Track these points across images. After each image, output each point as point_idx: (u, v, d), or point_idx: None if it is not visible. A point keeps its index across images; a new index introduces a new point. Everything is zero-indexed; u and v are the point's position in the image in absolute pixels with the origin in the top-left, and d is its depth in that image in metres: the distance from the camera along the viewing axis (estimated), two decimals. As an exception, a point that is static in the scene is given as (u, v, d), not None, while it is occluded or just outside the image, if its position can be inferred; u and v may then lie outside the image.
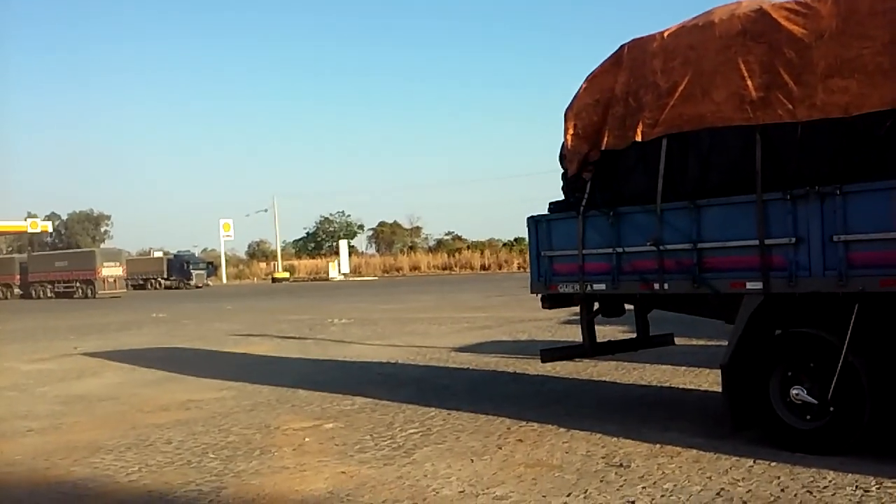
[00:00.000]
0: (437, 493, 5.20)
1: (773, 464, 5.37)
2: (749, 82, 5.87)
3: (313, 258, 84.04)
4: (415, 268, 72.70)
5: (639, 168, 6.83)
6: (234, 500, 5.29)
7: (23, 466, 6.51)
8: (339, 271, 66.84)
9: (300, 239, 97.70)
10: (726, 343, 6.14)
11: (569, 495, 4.99)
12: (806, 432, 5.63)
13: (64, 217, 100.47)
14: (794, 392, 5.68)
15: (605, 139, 6.91)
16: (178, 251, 68.34)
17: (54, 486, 5.89)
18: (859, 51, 5.36)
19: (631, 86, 6.74)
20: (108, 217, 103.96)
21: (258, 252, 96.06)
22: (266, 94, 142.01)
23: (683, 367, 9.55)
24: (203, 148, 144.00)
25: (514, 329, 15.79)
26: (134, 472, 6.15)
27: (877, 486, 4.81)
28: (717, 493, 4.86)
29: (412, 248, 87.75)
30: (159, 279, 62.46)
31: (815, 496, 4.72)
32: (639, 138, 6.60)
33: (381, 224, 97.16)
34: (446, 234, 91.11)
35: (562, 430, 6.72)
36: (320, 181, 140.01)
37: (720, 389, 6.13)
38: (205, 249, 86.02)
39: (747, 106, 5.88)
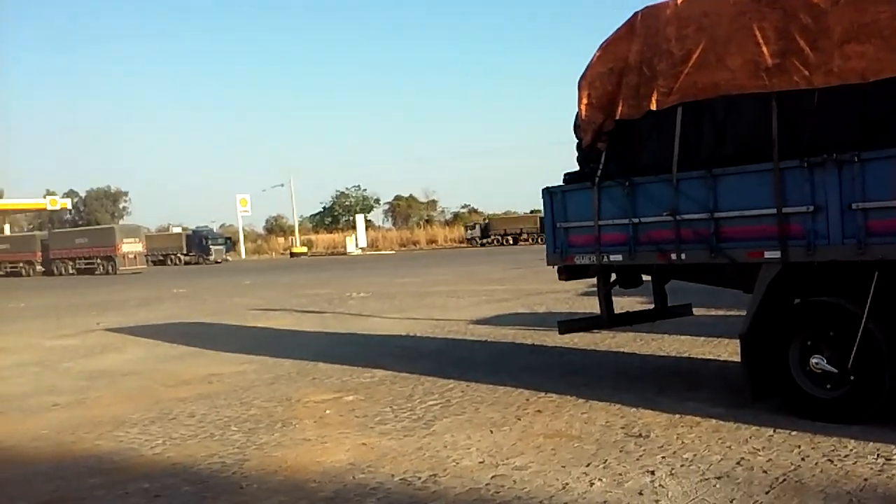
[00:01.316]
0: (458, 463, 5.26)
1: (794, 433, 5.37)
2: (764, 49, 5.78)
3: (330, 233, 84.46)
4: (432, 241, 72.83)
5: (654, 137, 6.78)
6: (256, 472, 5.37)
7: (49, 441, 6.64)
8: (357, 245, 67.11)
9: (317, 213, 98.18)
10: (745, 313, 6.13)
11: (588, 465, 5.03)
12: (826, 401, 5.62)
13: (82, 194, 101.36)
14: (813, 361, 5.67)
15: (620, 108, 6.85)
16: (197, 227, 68.82)
17: (80, 459, 6.00)
18: (876, 15, 5.26)
19: (645, 54, 6.66)
20: (126, 193, 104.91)
21: (276, 227, 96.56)
22: (282, 69, 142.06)
23: (702, 338, 9.54)
24: (220, 123, 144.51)
25: (531, 301, 15.81)
26: (158, 445, 6.26)
27: (897, 454, 4.81)
28: (737, 463, 4.88)
29: (428, 221, 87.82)
30: (178, 255, 63.04)
31: (835, 465, 4.72)
32: (653, 107, 6.54)
33: (398, 198, 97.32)
34: (462, 207, 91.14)
35: (580, 400, 6.75)
36: (336, 155, 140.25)
37: (739, 359, 6.13)
38: (223, 225, 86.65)
39: (763, 73, 5.80)
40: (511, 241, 64.33)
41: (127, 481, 5.33)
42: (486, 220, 71.63)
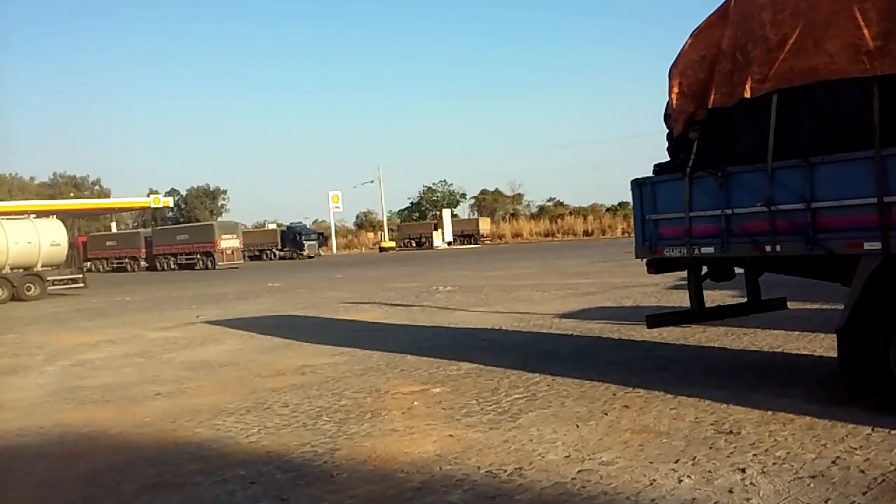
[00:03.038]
0: (543, 457, 5.26)
1: (893, 432, 5.16)
2: (865, 31, 5.55)
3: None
4: (517, 235, 72.62)
5: (748, 126, 6.59)
6: (347, 461, 5.52)
7: (152, 427, 6.97)
8: (443, 240, 67.50)
9: (405, 208, 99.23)
10: (842, 307, 5.90)
11: (677, 462, 4.95)
12: (930, 399, 5.37)
13: (183, 192, 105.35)
14: (915, 357, 5.42)
15: (712, 97, 6.71)
16: (291, 223, 70.60)
17: (181, 446, 6.29)
18: None
19: (738, 40, 6.50)
20: (224, 191, 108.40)
21: (366, 222, 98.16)
22: (371, 66, 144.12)
23: (797, 332, 9.23)
24: (311, 121, 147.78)
25: (618, 295, 15.59)
26: (254, 433, 6.49)
27: None
28: (833, 462, 4.72)
29: (514, 215, 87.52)
30: (273, 250, 64.82)
31: (939, 465, 4.52)
32: (748, 95, 6.37)
33: (483, 192, 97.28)
34: (548, 201, 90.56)
35: (669, 396, 6.65)
36: (424, 151, 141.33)
37: (836, 355, 5.90)
38: (315, 221, 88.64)
39: (864, 56, 5.58)
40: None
41: (224, 468, 5.56)
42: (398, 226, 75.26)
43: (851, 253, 5.80)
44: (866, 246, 5.66)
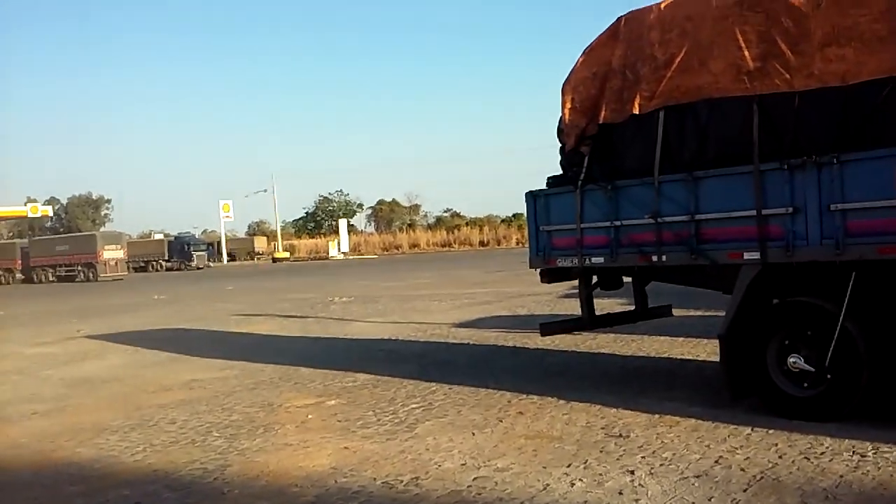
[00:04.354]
0: (440, 466, 5.26)
1: (771, 431, 5.42)
2: (746, 52, 5.85)
3: (313, 237, 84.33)
4: (414, 245, 72.84)
5: (636, 141, 6.81)
6: (238, 478, 5.35)
7: (28, 449, 6.57)
8: (339, 250, 67.03)
9: (300, 218, 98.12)
10: (724, 313, 6.18)
11: (569, 466, 5.05)
12: (803, 400, 5.68)
13: (64, 201, 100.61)
14: (791, 360, 5.72)
15: (603, 113, 6.90)
16: (179, 233, 68.48)
17: (60, 467, 5.94)
18: (856, 19, 5.34)
19: (628, 58, 6.71)
20: (109, 200, 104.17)
21: (258, 232, 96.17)
22: (264, 75, 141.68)
23: (681, 338, 9.61)
24: (202, 129, 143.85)
25: (513, 304, 15.84)
26: (139, 451, 6.21)
27: (873, 452, 4.86)
28: (716, 461, 4.92)
29: (411, 225, 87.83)
30: (160, 261, 62.66)
31: (812, 462, 4.77)
32: (636, 111, 6.59)
33: (380, 202, 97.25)
34: (445, 212, 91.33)
35: (562, 402, 6.77)
36: (319, 160, 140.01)
37: (718, 359, 6.18)
38: (205, 231, 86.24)
39: (745, 76, 5.87)
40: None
41: (107, 488, 5.29)
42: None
43: (732, 262, 6.07)
44: (746, 256, 5.95)
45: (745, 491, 4.38)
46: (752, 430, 5.50)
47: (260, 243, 78.45)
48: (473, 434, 5.99)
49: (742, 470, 4.73)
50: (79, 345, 13.88)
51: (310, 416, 7.02)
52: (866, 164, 5.32)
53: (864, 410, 5.45)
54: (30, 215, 66.17)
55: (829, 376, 5.53)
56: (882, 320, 5.52)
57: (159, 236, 69.54)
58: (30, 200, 72.50)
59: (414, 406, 7.10)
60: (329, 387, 8.32)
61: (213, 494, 5.04)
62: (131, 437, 6.68)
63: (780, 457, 4.91)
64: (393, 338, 12.09)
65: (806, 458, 4.86)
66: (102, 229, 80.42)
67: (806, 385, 5.67)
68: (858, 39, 5.33)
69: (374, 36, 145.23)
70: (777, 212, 5.74)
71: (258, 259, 72.03)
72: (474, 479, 4.92)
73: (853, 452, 4.88)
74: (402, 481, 4.98)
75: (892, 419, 5.33)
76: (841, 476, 4.51)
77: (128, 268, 54.37)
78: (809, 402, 5.64)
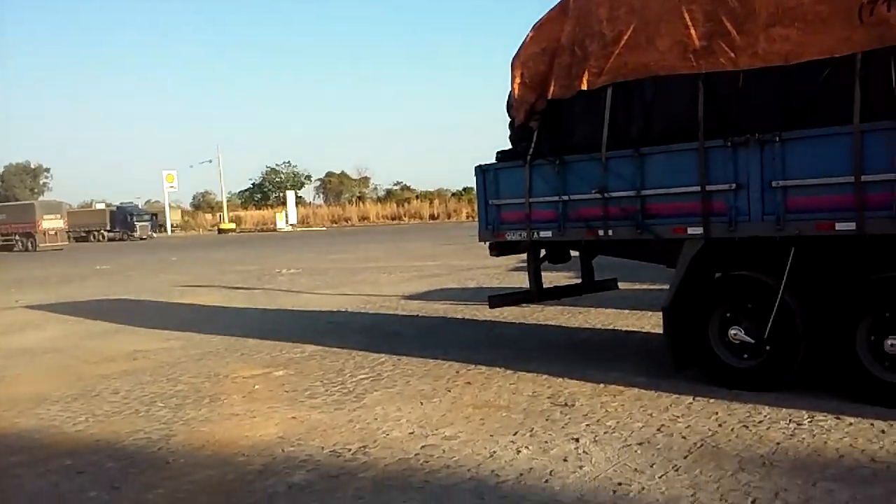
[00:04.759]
0: (388, 434, 5.30)
1: (712, 401, 5.59)
2: (693, 31, 5.92)
3: (260, 209, 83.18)
4: (364, 218, 72.39)
5: (585, 117, 6.85)
6: (183, 447, 5.31)
7: (-35, 419, 6.41)
8: (287, 222, 66.27)
9: (246, 190, 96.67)
10: (668, 287, 6.32)
11: (515, 434, 5.13)
12: (743, 370, 5.86)
13: (0, 169, 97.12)
14: (732, 332, 5.89)
15: (552, 88, 6.93)
16: (122, 203, 66.81)
17: (-1, 437, 5.83)
18: (799, 0, 5.45)
19: (577, 35, 6.75)
20: (48, 169, 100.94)
21: (203, 203, 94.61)
22: (210, 42, 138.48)
23: (627, 311, 9.80)
24: (145, 98, 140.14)
25: (462, 277, 15.92)
26: (81, 422, 6.11)
27: (808, 420, 5.05)
28: (658, 430, 5.05)
29: (361, 198, 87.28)
30: (102, 231, 61.16)
31: (750, 430, 4.93)
32: (584, 87, 6.64)
33: (329, 174, 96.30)
34: (395, 185, 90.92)
35: (509, 372, 6.87)
36: (266, 131, 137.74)
37: (662, 331, 6.32)
38: (148, 201, 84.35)
39: (691, 54, 5.95)
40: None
41: (48, 458, 5.20)
42: None
43: (676, 237, 6.20)
44: (690, 231, 6.07)
45: (685, 458, 4.51)
46: (693, 399, 5.66)
47: (175, 216, 77.85)
48: (422, 404, 6.04)
49: (683, 438, 4.87)
50: (16, 315, 13.53)
51: (257, 387, 6.98)
52: (807, 142, 5.46)
53: (801, 381, 5.65)
54: (-36, 183, 64.00)
55: (767, 348, 5.70)
56: (819, 294, 5.71)
57: (101, 206, 67.68)
58: (-36, 167, 70.06)
59: (362, 377, 7.12)
60: (276, 358, 8.28)
61: (157, 464, 5.00)
62: (73, 408, 6.57)
63: (719, 425, 5.07)
64: (341, 309, 12.06)
65: (745, 426, 5.02)
66: (41, 198, 78.03)
67: (746, 356, 5.85)
68: (802, 20, 5.43)
69: (324, 4, 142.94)
70: (720, 188, 5.87)
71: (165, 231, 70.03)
72: (422, 447, 4.98)
73: (790, 421, 5.06)
74: (350, 450, 5.01)
75: (827, 390, 5.53)
76: (777, 443, 4.67)
77: (68, 238, 53.05)
78: (749, 372, 5.82)
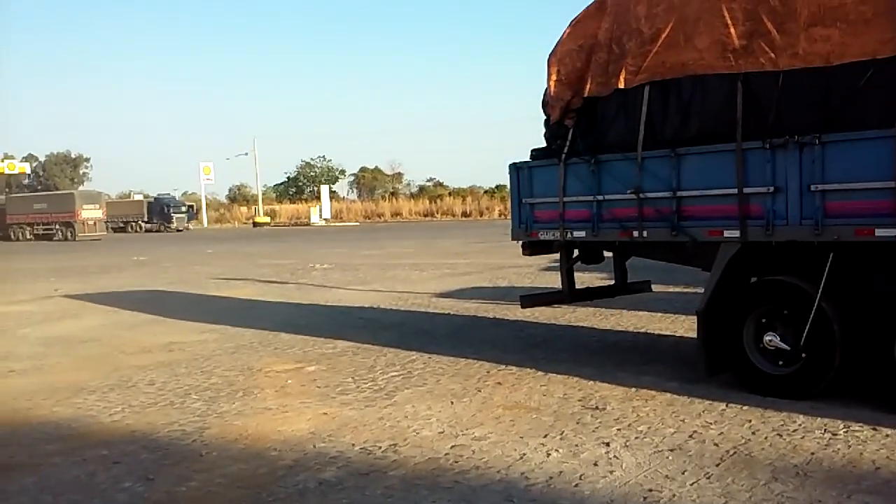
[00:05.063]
0: (418, 433, 5.31)
1: (745, 407, 5.52)
2: (732, 30, 5.85)
3: (294, 203, 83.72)
4: (396, 214, 72.59)
5: (620, 115, 6.81)
6: (216, 440, 5.37)
7: (4, 407, 6.54)
8: (321, 216, 66.68)
9: (281, 183, 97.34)
10: (702, 290, 6.25)
11: (545, 436, 5.11)
12: (778, 377, 5.77)
13: (42, 159, 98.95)
14: (767, 338, 5.80)
15: (588, 86, 6.89)
16: (159, 194, 67.71)
17: (36, 425, 5.94)
18: (842, 0, 5.35)
19: (614, 32, 6.70)
20: (88, 159, 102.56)
21: (239, 196, 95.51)
22: (248, 36, 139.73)
23: (660, 314, 9.71)
24: (184, 89, 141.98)
25: (494, 275, 15.90)
26: (117, 412, 6.21)
27: (844, 430, 4.96)
28: (690, 436, 5.00)
29: (394, 193, 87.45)
30: (139, 222, 62.04)
31: (784, 439, 4.86)
32: (621, 85, 6.59)
33: (363, 169, 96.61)
34: (428, 181, 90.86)
35: (540, 373, 6.85)
36: (302, 125, 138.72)
37: (695, 335, 6.25)
38: (185, 193, 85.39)
39: (730, 54, 5.87)
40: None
41: (85, 448, 5.29)
42: None
43: (712, 240, 6.13)
44: (726, 234, 6.00)
45: (717, 465, 4.47)
46: (726, 405, 5.60)
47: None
48: (452, 403, 6.05)
49: (716, 445, 4.82)
50: (56, 304, 13.79)
51: (289, 382, 7.04)
52: (847, 145, 5.36)
53: (837, 389, 5.55)
54: (7, 172, 65.41)
55: (803, 355, 5.61)
56: (856, 301, 5.61)
57: (139, 197, 68.68)
58: (7, 157, 71.55)
59: (393, 374, 7.14)
60: (309, 353, 8.35)
61: (191, 456, 5.07)
62: (109, 398, 6.68)
63: (753, 433, 5.00)
64: (373, 306, 12.11)
65: (779, 434, 4.95)
66: (81, 188, 79.43)
67: (781, 363, 5.76)
68: (844, 20, 5.34)
69: (362, 2, 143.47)
70: (758, 190, 5.79)
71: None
72: (452, 447, 4.99)
73: (825, 430, 4.98)
74: (380, 447, 5.03)
75: (863, 399, 5.43)
76: (812, 453, 4.60)
77: (106, 228, 53.93)
78: (784, 379, 5.73)
